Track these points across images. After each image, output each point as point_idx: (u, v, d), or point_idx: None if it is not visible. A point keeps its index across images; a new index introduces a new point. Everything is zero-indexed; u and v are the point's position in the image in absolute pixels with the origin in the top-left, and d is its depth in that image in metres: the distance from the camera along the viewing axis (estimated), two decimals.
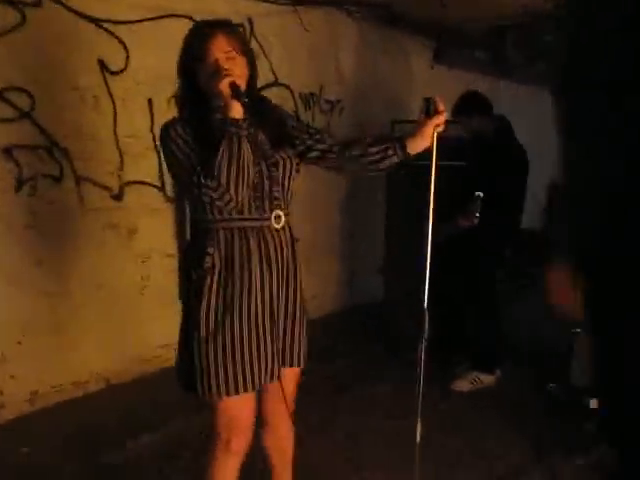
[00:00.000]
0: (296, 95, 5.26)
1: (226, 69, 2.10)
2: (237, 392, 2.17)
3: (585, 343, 4.08)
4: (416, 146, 2.29)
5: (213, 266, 2.16)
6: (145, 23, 4.18)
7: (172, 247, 4.54)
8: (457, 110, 4.32)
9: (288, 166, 2.27)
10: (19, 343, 3.79)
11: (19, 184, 3.69)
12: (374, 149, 2.30)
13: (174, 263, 4.54)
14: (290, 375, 2.37)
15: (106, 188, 4.12)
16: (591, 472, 3.38)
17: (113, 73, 4.07)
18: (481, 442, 3.68)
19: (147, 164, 4.33)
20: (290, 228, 2.32)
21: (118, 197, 4.18)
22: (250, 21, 4.80)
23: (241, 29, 4.73)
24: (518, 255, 4.68)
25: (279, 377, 2.26)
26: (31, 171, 3.74)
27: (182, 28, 4.28)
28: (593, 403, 4.01)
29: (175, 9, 4.32)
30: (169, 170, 2.29)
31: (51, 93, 3.80)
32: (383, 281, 5.37)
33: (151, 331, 4.46)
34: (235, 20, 4.63)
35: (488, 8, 5.45)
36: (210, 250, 2.16)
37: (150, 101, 4.29)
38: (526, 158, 4.38)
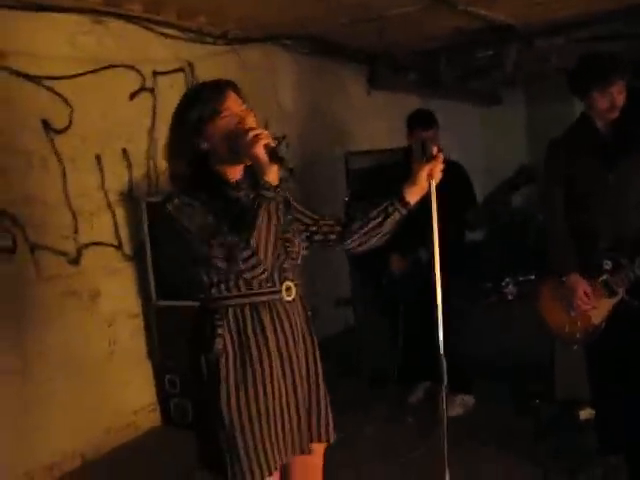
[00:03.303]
0: None
1: (254, 129, 1.92)
2: (262, 477, 2.03)
3: (567, 355, 4.11)
4: (414, 194, 2.18)
5: (225, 347, 2.02)
6: (86, 76, 3.99)
7: (136, 307, 4.33)
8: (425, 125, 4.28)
9: (298, 242, 2.16)
10: None
11: None
12: (374, 213, 2.19)
13: (140, 323, 4.35)
14: (318, 450, 2.23)
15: (62, 253, 3.89)
16: None
17: (58, 132, 3.86)
18: (486, 471, 3.61)
19: (101, 223, 4.13)
20: (302, 298, 2.18)
21: (76, 261, 3.96)
22: (190, 65, 4.66)
23: (183, 73, 4.62)
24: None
25: (307, 451, 2.14)
26: None
27: (124, 78, 4.24)
28: (583, 415, 4.02)
29: (114, 59, 4.17)
30: (187, 241, 2.02)
31: None
32: (352, 312, 5.28)
33: (122, 397, 4.23)
34: (175, 65, 4.59)
35: (420, 31, 5.49)
36: (220, 331, 2.02)
37: (98, 157, 4.09)
38: None
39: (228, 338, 2.02)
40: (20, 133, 3.69)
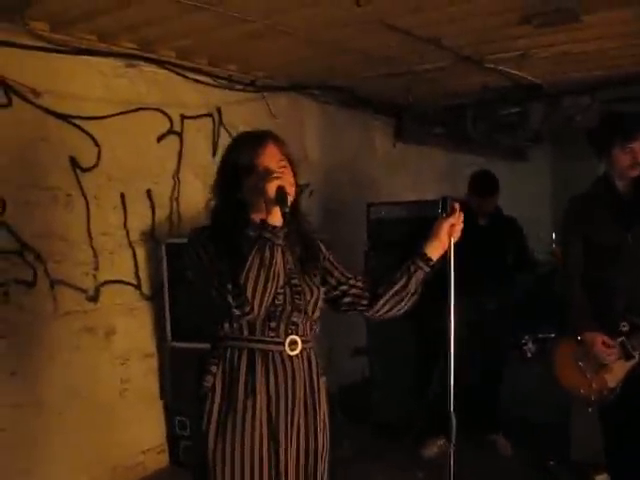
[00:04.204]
0: None
1: (278, 172, 1.98)
2: None
3: (584, 416, 4.02)
4: (435, 251, 2.16)
5: (214, 387, 2.01)
6: (116, 117, 4.09)
7: (151, 346, 4.34)
8: (492, 190, 4.44)
9: (315, 296, 2.12)
10: None
11: None
12: (397, 275, 2.17)
13: (154, 363, 4.36)
14: None
15: (81, 290, 3.94)
16: None
17: (85, 170, 3.95)
18: None
19: (122, 262, 4.17)
20: (312, 357, 2.13)
21: (94, 298, 4.00)
22: (219, 110, 4.75)
23: (210, 118, 4.71)
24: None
25: None
26: (3, 277, 3.55)
27: (153, 120, 4.33)
28: (599, 479, 3.91)
29: (144, 102, 4.27)
30: (193, 277, 2.06)
31: (22, 194, 3.65)
32: (368, 362, 5.24)
33: (132, 436, 4.22)
34: (204, 110, 4.68)
35: (448, 87, 5.55)
36: (213, 369, 2.03)
37: (123, 196, 4.16)
38: None
39: (219, 378, 2.02)
40: (48, 169, 3.77)
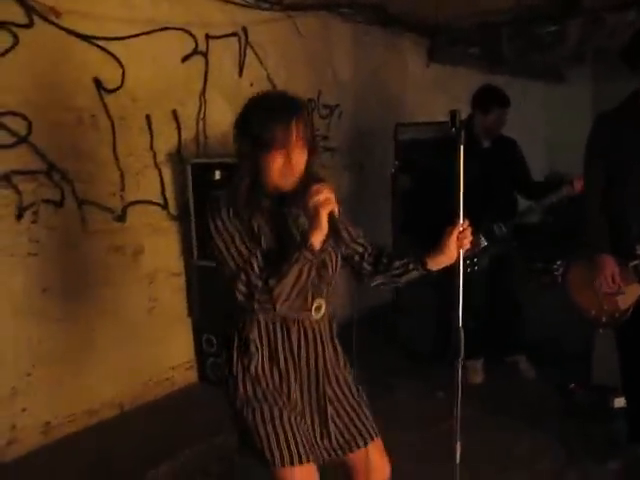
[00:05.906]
0: None
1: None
2: (292, 463, 2.10)
3: (606, 341, 4.02)
4: (438, 263, 2.20)
5: (257, 349, 2.13)
6: (139, 38, 4.07)
7: (178, 266, 4.44)
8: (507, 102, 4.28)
9: (335, 265, 2.16)
10: (29, 375, 3.68)
11: (20, 211, 3.57)
12: (397, 264, 2.23)
13: (181, 281, 4.46)
14: (373, 448, 2.30)
15: (108, 210, 4.01)
16: (625, 476, 3.31)
17: (109, 91, 3.95)
18: (512, 447, 3.61)
19: (148, 182, 4.22)
20: (330, 313, 2.24)
21: (121, 218, 4.07)
22: (245, 30, 4.69)
23: (236, 38, 4.65)
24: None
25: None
26: (32, 197, 3.63)
27: (177, 40, 4.29)
28: (617, 402, 3.95)
29: (169, 22, 4.22)
30: (220, 250, 2.01)
31: (47, 115, 3.68)
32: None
33: (161, 353, 4.37)
34: (230, 29, 4.62)
35: (481, 4, 5.37)
36: (252, 336, 2.13)
37: (148, 117, 4.18)
38: None
39: (259, 344, 2.13)
40: (72, 91, 3.79)
